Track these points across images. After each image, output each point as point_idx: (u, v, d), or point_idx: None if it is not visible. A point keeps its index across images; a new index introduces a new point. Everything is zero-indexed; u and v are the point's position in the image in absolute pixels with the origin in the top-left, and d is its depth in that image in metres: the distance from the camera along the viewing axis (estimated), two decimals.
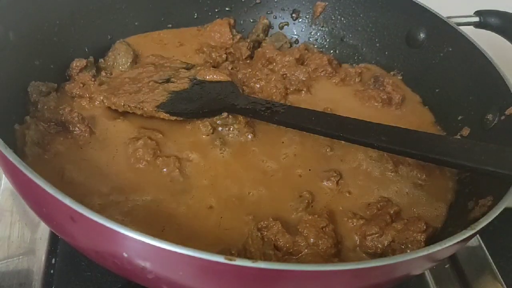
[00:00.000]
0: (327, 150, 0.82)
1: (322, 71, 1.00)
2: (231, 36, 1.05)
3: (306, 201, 0.73)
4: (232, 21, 1.07)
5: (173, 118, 0.80)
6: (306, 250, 0.66)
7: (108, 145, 0.77)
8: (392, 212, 0.72)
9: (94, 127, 0.79)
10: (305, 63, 1.01)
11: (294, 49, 1.02)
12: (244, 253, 0.65)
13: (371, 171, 0.80)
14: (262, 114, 0.80)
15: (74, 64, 0.88)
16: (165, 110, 0.80)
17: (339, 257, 0.68)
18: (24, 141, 0.72)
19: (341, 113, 0.82)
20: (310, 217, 0.70)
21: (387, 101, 0.94)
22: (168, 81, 0.85)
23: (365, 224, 0.71)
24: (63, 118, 0.77)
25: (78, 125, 0.77)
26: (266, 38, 1.09)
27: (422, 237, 0.69)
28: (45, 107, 0.79)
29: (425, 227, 0.69)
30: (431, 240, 0.70)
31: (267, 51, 1.00)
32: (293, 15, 1.12)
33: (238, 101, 0.83)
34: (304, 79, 0.96)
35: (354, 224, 0.72)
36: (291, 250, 0.67)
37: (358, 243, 0.70)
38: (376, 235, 0.69)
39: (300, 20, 1.12)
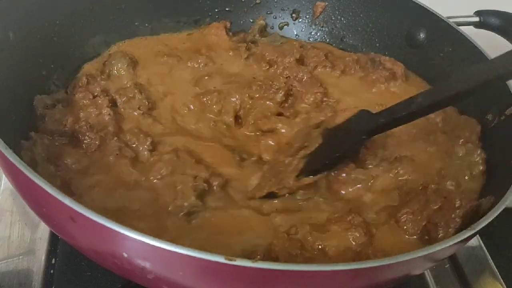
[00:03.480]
0: None
1: (322, 67, 1.00)
2: (227, 39, 1.05)
3: None
4: (228, 24, 1.06)
5: (316, 178, 0.74)
6: (336, 246, 0.66)
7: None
8: (428, 192, 0.71)
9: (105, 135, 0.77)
10: (304, 62, 1.01)
11: (293, 49, 1.01)
12: (269, 254, 0.64)
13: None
14: (400, 117, 0.71)
15: (83, 80, 0.86)
16: (306, 175, 0.73)
17: (372, 246, 0.67)
18: (35, 160, 0.70)
19: (353, 103, 0.84)
20: (336, 215, 0.69)
21: (391, 76, 0.95)
22: (302, 148, 0.79)
23: (396, 209, 0.71)
24: (66, 128, 0.76)
25: (87, 134, 0.75)
26: (263, 38, 1.08)
27: (458, 213, 0.67)
28: (52, 119, 0.77)
29: (459, 203, 0.68)
30: (469, 219, 0.68)
31: (266, 53, 1.00)
32: (293, 15, 1.12)
33: (372, 121, 0.74)
34: (307, 79, 0.96)
35: (384, 212, 0.71)
36: (322, 247, 0.66)
37: (393, 227, 0.69)
38: (411, 216, 0.69)
39: (300, 20, 1.12)
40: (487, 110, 0.82)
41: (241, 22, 1.10)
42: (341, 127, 0.78)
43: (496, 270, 0.85)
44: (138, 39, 1.01)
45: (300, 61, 1.01)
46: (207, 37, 1.04)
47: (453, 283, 0.84)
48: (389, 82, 0.95)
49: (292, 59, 0.98)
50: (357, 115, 0.76)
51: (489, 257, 0.87)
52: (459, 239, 0.56)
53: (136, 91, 0.85)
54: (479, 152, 0.78)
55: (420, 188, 0.73)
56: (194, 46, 1.02)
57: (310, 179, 0.73)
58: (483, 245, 0.88)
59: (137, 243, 0.49)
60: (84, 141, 0.75)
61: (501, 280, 0.84)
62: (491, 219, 0.59)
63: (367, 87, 0.95)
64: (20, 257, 0.77)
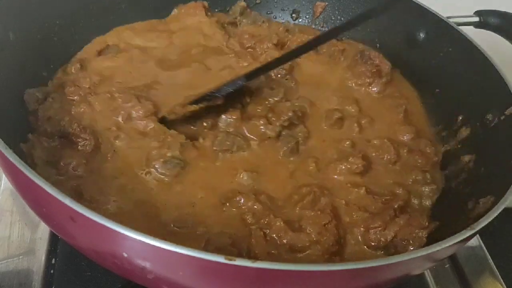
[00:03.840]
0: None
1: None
2: (206, 19, 1.03)
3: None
4: (206, 3, 1.04)
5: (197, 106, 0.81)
6: (310, 248, 0.67)
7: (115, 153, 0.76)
8: (396, 206, 0.73)
9: (97, 135, 0.76)
10: (286, 46, 1.01)
11: (272, 34, 1.01)
12: (248, 254, 0.65)
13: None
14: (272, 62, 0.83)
15: (73, 69, 0.87)
16: (191, 104, 0.81)
17: (341, 255, 0.68)
18: (34, 163, 0.70)
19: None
20: (312, 213, 0.70)
21: (377, 73, 0.96)
22: None
23: (370, 217, 0.72)
24: (64, 129, 0.75)
25: (81, 135, 0.74)
26: (243, 20, 1.07)
27: (423, 233, 0.69)
28: (45, 118, 0.76)
29: (427, 224, 0.70)
30: (433, 236, 0.70)
31: (244, 41, 1.00)
32: (293, 15, 1.12)
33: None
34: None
35: (358, 217, 0.72)
36: (296, 247, 0.67)
37: (361, 237, 0.71)
38: (379, 228, 0.70)
39: (300, 20, 1.12)
40: (487, 110, 0.81)
41: None
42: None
43: (496, 270, 0.85)
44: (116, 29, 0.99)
45: (280, 45, 1.00)
46: (185, 18, 1.02)
47: (453, 283, 0.84)
48: (374, 77, 0.96)
49: (270, 44, 0.98)
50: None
51: (489, 257, 0.87)
52: (459, 239, 0.56)
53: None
54: (433, 188, 0.79)
55: (387, 197, 0.75)
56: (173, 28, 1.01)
57: (193, 106, 0.80)
58: (483, 245, 0.88)
59: (137, 243, 0.49)
60: (79, 143, 0.74)
61: (501, 280, 0.84)
62: (491, 219, 0.59)
63: (353, 79, 0.97)
64: (20, 257, 0.77)
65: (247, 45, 0.99)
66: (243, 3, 1.08)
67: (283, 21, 1.11)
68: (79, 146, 0.74)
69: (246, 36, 1.00)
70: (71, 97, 0.81)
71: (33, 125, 0.77)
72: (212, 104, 0.81)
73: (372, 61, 0.97)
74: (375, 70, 0.96)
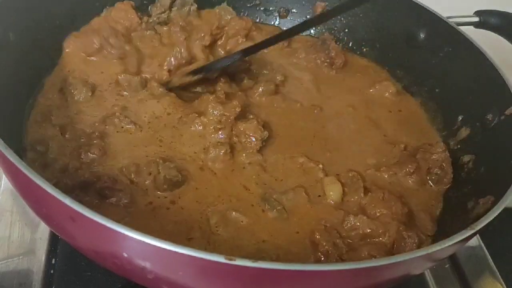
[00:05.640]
0: None
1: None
2: (138, 20, 0.97)
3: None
4: (133, 3, 0.97)
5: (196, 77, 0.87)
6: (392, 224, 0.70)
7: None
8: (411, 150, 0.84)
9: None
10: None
11: (202, 32, 0.97)
12: (317, 248, 0.68)
13: None
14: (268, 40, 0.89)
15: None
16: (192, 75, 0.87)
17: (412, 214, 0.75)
18: None
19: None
20: (368, 197, 0.75)
21: (330, 63, 1.01)
22: None
23: (397, 166, 0.81)
24: (83, 178, 0.68)
25: (116, 190, 0.67)
26: (173, 13, 1.02)
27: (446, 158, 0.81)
28: (56, 169, 0.69)
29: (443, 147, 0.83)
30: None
31: (175, 41, 0.95)
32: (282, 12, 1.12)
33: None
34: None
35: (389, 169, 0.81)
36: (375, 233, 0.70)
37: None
38: (413, 170, 0.80)
39: (299, 20, 1.12)
40: (487, 110, 0.82)
41: None
42: None
43: (496, 270, 0.85)
44: None
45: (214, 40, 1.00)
46: (115, 20, 0.95)
47: (453, 283, 0.84)
48: (323, 64, 1.01)
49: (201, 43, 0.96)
50: None
51: (489, 257, 0.87)
52: (459, 239, 0.56)
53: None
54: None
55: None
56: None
57: (190, 77, 0.87)
58: (483, 245, 0.88)
59: (137, 243, 0.49)
60: (112, 197, 0.68)
61: (501, 280, 0.84)
62: (491, 219, 0.59)
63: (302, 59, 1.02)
64: (20, 257, 0.77)
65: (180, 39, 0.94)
66: None
67: (278, 21, 1.12)
68: (112, 199, 0.68)
69: (177, 30, 0.95)
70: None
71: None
72: (207, 76, 0.88)
73: (329, 51, 1.01)
74: (329, 60, 1.00)
